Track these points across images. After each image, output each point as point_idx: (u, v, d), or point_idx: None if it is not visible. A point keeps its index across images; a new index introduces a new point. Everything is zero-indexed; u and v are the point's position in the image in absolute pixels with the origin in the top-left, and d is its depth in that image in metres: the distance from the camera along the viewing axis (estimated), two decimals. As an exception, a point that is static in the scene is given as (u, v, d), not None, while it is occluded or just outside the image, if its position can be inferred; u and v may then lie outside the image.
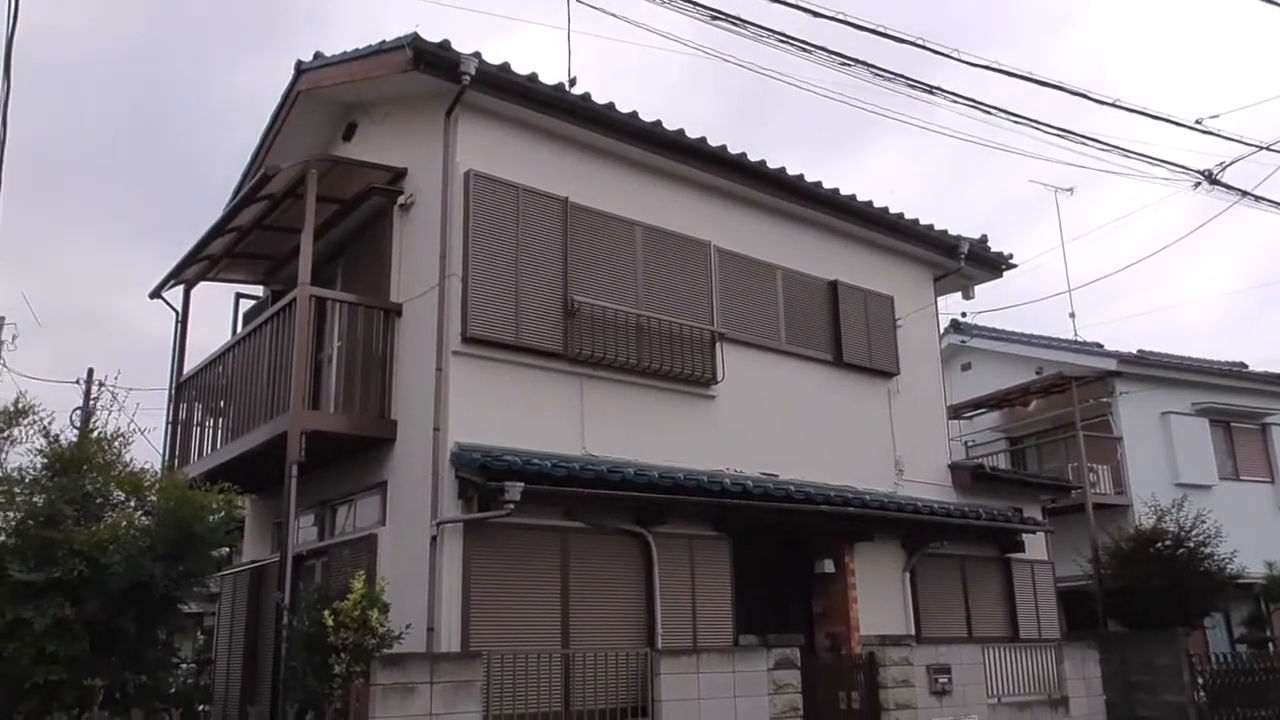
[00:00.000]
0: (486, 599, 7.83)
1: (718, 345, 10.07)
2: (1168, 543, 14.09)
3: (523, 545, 8.13)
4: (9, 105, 8.83)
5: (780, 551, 10.36)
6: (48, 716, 6.61)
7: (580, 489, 8.13)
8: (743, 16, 7.89)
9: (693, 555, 9.14)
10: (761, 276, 10.90)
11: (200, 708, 9.51)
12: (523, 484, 7.52)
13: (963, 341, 18.66)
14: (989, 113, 9.77)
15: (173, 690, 8.11)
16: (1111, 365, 17.05)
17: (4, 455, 8.46)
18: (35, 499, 7.57)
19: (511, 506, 7.48)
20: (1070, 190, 19.14)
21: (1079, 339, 18.53)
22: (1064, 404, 16.87)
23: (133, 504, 8.15)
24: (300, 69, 10.18)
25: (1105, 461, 16.99)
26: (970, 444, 18.87)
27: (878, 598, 10.56)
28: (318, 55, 9.98)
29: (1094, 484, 16.20)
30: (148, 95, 56.89)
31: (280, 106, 10.68)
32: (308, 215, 8.88)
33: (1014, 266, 13.53)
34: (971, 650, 10.72)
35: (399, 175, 9.47)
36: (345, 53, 9.54)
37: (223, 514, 7.95)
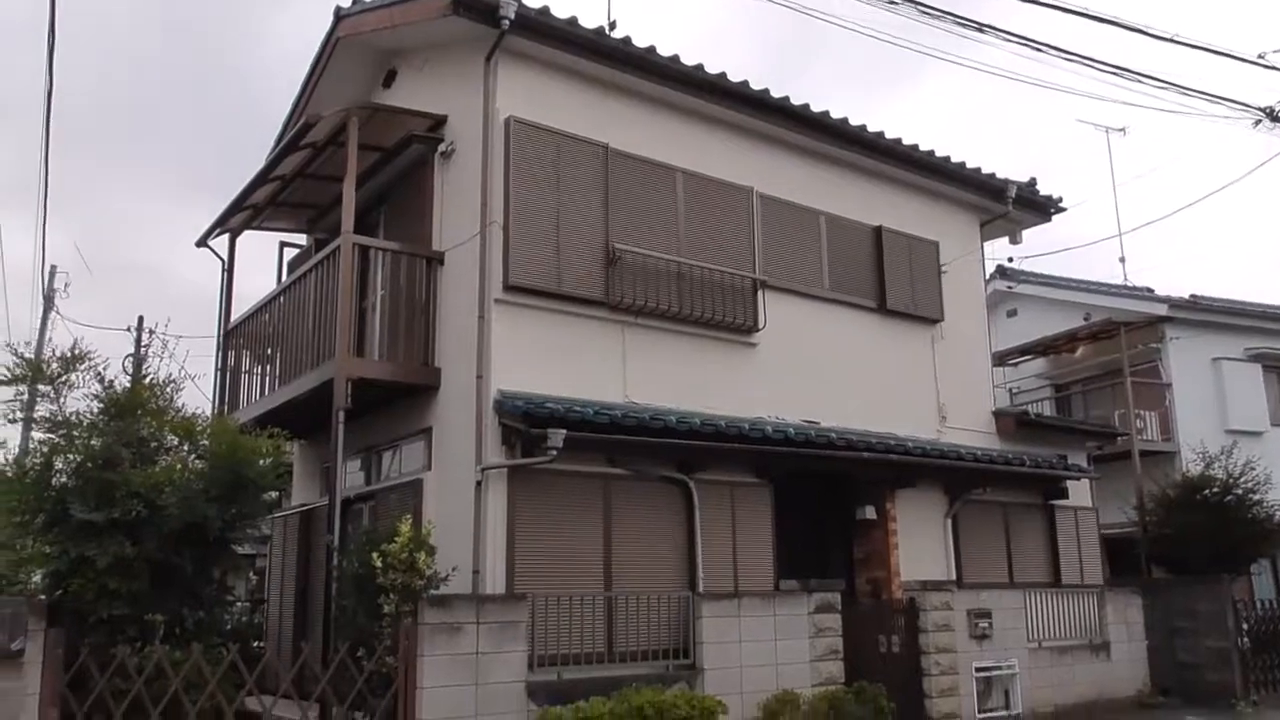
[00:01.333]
0: (530, 543, 7.96)
1: (759, 292, 10.00)
2: (1215, 490, 13.88)
3: (566, 491, 8.23)
4: (54, 56, 8.95)
5: (822, 498, 10.40)
6: (112, 649, 6.85)
7: (622, 436, 8.19)
8: (787, -46, 7.67)
9: (734, 501, 9.20)
10: (804, 222, 10.76)
11: (255, 643, 9.83)
12: (565, 431, 7.60)
13: (1009, 287, 18.34)
14: (1041, 50, 9.49)
15: (229, 626, 8.37)
16: (1162, 310, 16.67)
17: (62, 400, 8.67)
18: (93, 442, 7.77)
19: (554, 453, 7.57)
20: (1123, 130, 18.58)
21: (1129, 284, 18.11)
22: (1112, 350, 16.57)
23: (186, 448, 8.32)
24: (339, 14, 10.12)
25: (1153, 408, 16.71)
26: (1015, 391, 18.66)
27: (919, 544, 10.58)
28: (356, 0, 9.91)
29: (1141, 431, 15.97)
30: (198, 45, 57.05)
31: (320, 53, 10.65)
32: (349, 163, 8.90)
33: (1064, 210, 13.23)
34: (1012, 595, 10.74)
35: (439, 122, 9.44)
36: (384, -3, 9.46)
37: (272, 459, 8.13)
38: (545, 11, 8.62)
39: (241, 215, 11.23)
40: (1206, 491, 13.86)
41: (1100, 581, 12.42)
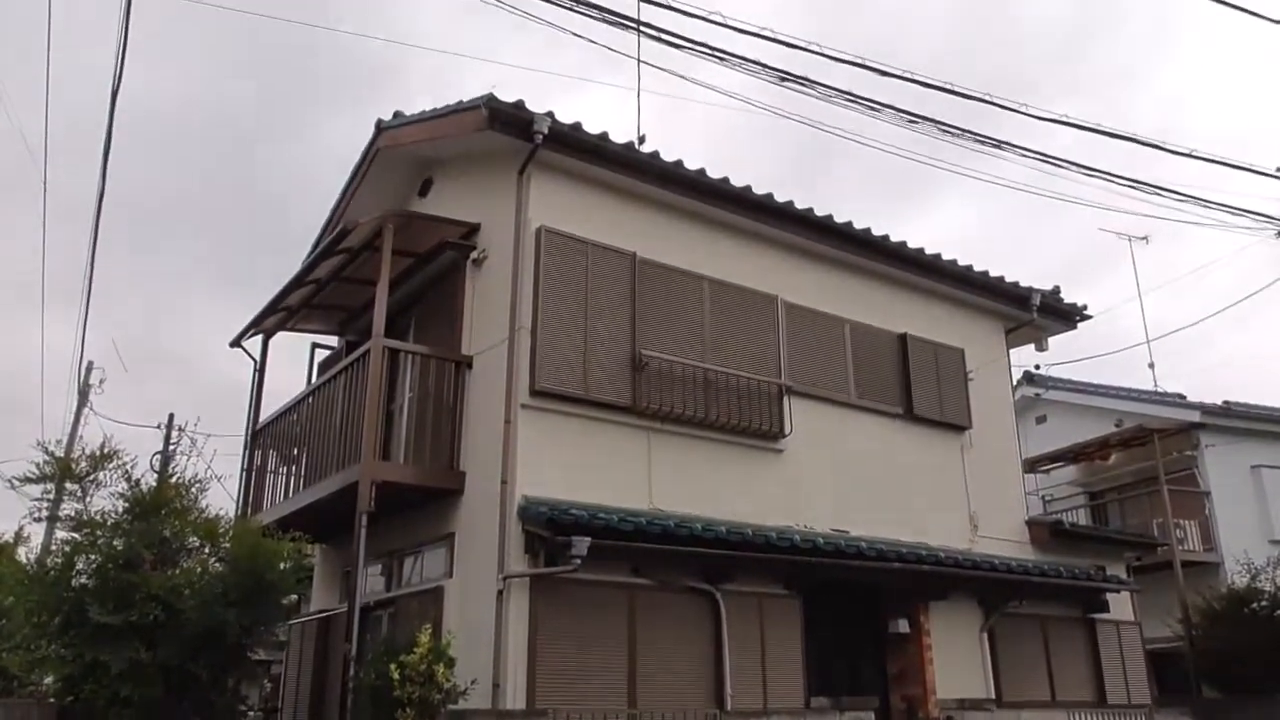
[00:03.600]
0: (552, 655, 7.75)
1: (786, 399, 9.95)
2: (1264, 603, 13.39)
3: (589, 601, 8.05)
4: (109, 159, 9.30)
5: (852, 610, 10.10)
6: (121, 759, 6.70)
7: (647, 544, 8.03)
8: (810, 77, 7.92)
9: (762, 614, 8.95)
10: (830, 329, 10.79)
11: (267, 756, 9.58)
12: (589, 538, 7.47)
13: (1037, 394, 18.19)
14: (1059, 165, 9.63)
15: (241, 737, 8.18)
16: (1195, 417, 16.43)
17: (89, 498, 8.70)
18: (115, 542, 7.75)
19: (578, 561, 7.43)
20: (1145, 239, 18.70)
21: (1159, 390, 17.91)
22: (1145, 457, 16.28)
23: (207, 550, 8.30)
24: (380, 127, 10.49)
25: (1192, 517, 16.29)
26: (1048, 499, 18.31)
27: (955, 659, 10.20)
28: (397, 114, 10.29)
29: (1181, 540, 15.53)
30: (236, 154, 59.35)
31: (360, 163, 11.01)
32: (383, 268, 9.08)
33: (1088, 318, 13.19)
34: (1056, 716, 10.30)
35: (472, 230, 9.65)
36: (424, 112, 9.82)
37: (293, 562, 8.06)
38: (577, 127, 8.88)
39: (276, 317, 11.44)
40: (1255, 605, 13.37)
41: (1148, 700, 11.87)
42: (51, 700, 7.77)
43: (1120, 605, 12.07)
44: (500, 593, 7.75)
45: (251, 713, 10.05)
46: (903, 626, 10.02)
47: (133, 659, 7.03)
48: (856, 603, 10.06)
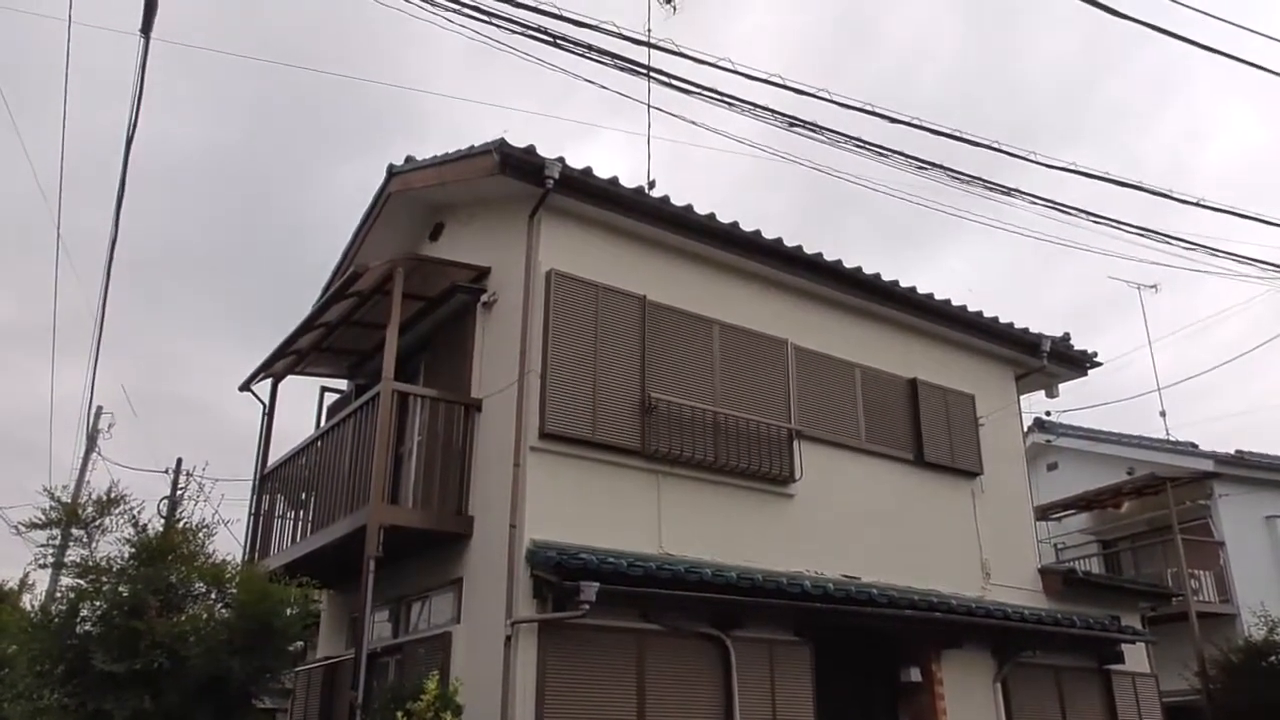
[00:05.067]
0: (561, 702, 7.62)
1: (796, 443, 9.91)
2: (1282, 656, 13.16)
3: (598, 647, 7.94)
4: (122, 206, 9.40)
5: (864, 657, 9.94)
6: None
7: (657, 589, 7.95)
8: (819, 123, 8.01)
9: (772, 660, 8.81)
10: (840, 374, 10.77)
11: (270, 808, 9.39)
12: (598, 584, 7.39)
13: (1048, 441, 18.10)
14: (1068, 213, 9.67)
15: (244, 791, 8.01)
16: (1208, 466, 16.32)
17: (95, 544, 8.65)
18: (121, 588, 7.68)
19: (587, 607, 7.34)
20: (1155, 287, 18.70)
21: (1171, 438, 17.81)
22: (1159, 505, 16.14)
23: (213, 596, 8.22)
24: (392, 172, 10.62)
25: (1207, 567, 16.10)
26: (1060, 546, 18.13)
27: (968, 709, 10.01)
28: (409, 159, 10.41)
29: (1196, 591, 15.34)
30: (248, 199, 60.08)
31: (371, 207, 11.12)
32: (393, 312, 9.11)
33: (1099, 365, 13.16)
34: (1072, 771, 10.03)
35: (483, 274, 9.71)
36: (435, 156, 9.94)
37: (300, 608, 7.98)
38: (588, 172, 8.98)
39: (285, 360, 11.47)
40: (1273, 658, 13.14)
41: (1165, 755, 11.61)
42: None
43: (1136, 657, 11.86)
44: (508, 639, 7.65)
45: (255, 762, 9.86)
46: (915, 675, 9.86)
47: (136, 708, 6.93)
48: (868, 650, 9.91)
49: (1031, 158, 8.97)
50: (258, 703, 8.21)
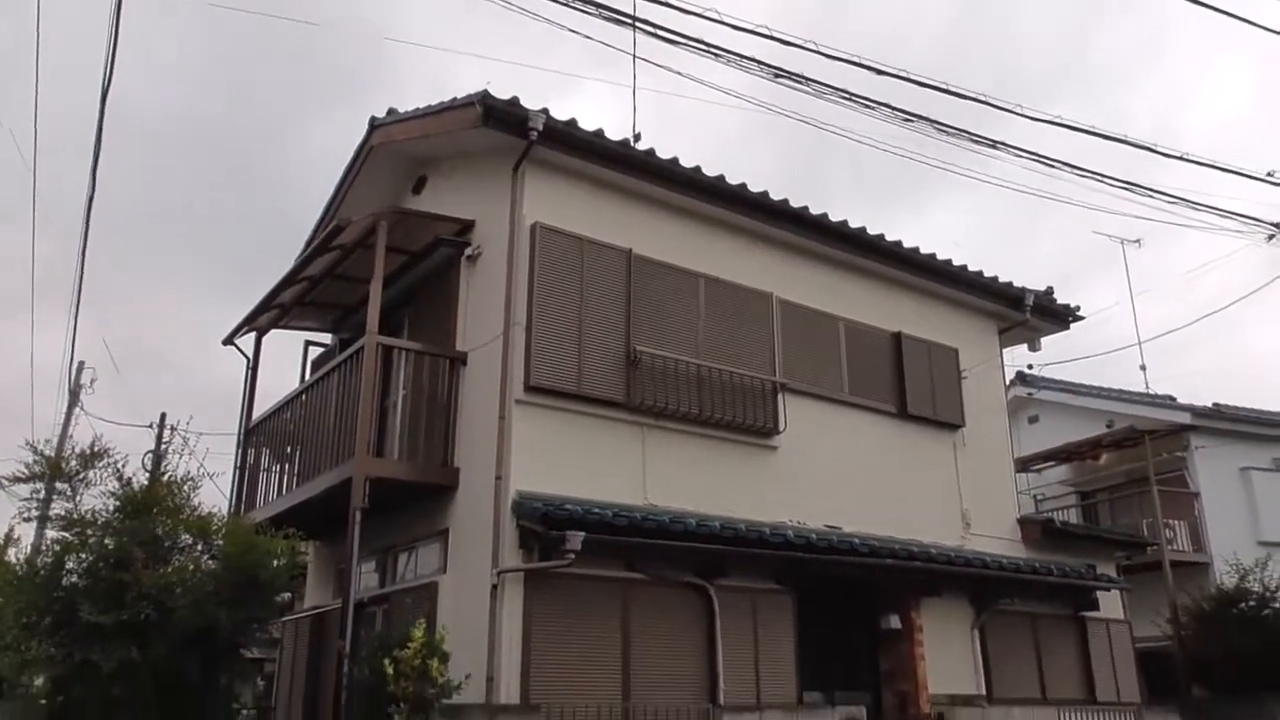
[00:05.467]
0: (546, 650, 7.74)
1: (780, 396, 9.97)
2: (1252, 603, 13.47)
3: (583, 596, 8.05)
4: (99, 160, 9.26)
5: (845, 606, 10.12)
6: (112, 761, 6.65)
7: (642, 539, 8.05)
8: (805, 74, 7.93)
9: (755, 609, 8.96)
10: (824, 327, 10.81)
11: (260, 755, 9.53)
12: (584, 533, 7.47)
13: (1029, 394, 18.27)
14: (1053, 166, 9.67)
15: (233, 737, 8.13)
16: (1186, 419, 16.53)
17: (79, 497, 8.64)
18: (107, 541, 7.70)
19: (572, 556, 7.43)
20: (1138, 242, 18.74)
21: (1151, 392, 18.01)
22: (1136, 458, 16.37)
23: (200, 548, 8.25)
24: (374, 124, 10.47)
25: (1182, 517, 16.39)
26: (1039, 498, 18.38)
27: (946, 655, 10.23)
28: (391, 111, 10.27)
29: (1171, 540, 15.63)
30: (230, 152, 59.16)
31: (353, 160, 10.98)
32: (377, 266, 9.06)
33: (1081, 318, 13.25)
34: (1046, 713, 10.32)
35: (467, 227, 9.64)
36: (417, 109, 9.81)
37: (286, 559, 8.02)
38: (572, 124, 8.88)
39: (269, 314, 11.40)
40: (1243, 605, 13.45)
41: (1137, 699, 11.92)
42: (42, 702, 7.70)
43: (1110, 604, 12.12)
44: (494, 588, 7.74)
45: (245, 711, 10.00)
46: (895, 623, 10.05)
47: (124, 659, 6.97)
48: (849, 599, 10.08)
49: (1017, 110, 8.95)
50: (246, 652, 8.29)
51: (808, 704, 8.76)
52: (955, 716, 9.46)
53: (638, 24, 7.35)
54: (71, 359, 21.89)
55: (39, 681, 8.61)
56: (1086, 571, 11.65)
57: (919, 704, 9.74)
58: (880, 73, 8.05)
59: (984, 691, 10.38)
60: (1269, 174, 11.39)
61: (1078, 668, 11.59)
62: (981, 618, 10.71)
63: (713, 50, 7.66)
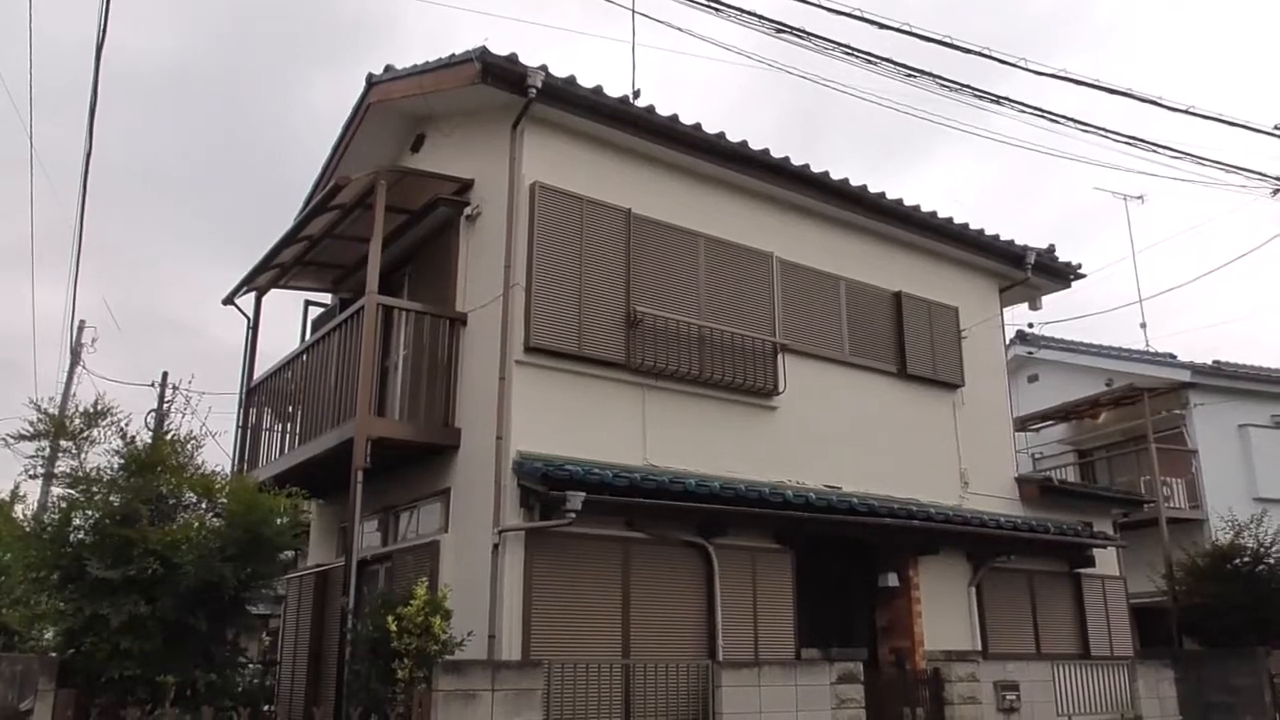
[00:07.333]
0: (548, 607, 7.86)
1: (780, 356, 9.99)
2: (1246, 559, 13.61)
3: (584, 554, 8.14)
4: (95, 118, 9.20)
5: (843, 564, 10.23)
6: (122, 710, 6.76)
7: (642, 499, 8.12)
8: (807, 29, 7.84)
9: (754, 567, 9.07)
10: (824, 287, 10.80)
11: (266, 707, 9.69)
12: (584, 493, 7.55)
13: (1029, 353, 18.25)
14: (1056, 121, 9.59)
15: (240, 689, 8.26)
16: (1185, 376, 16.54)
17: (84, 455, 8.71)
18: (112, 498, 7.78)
19: (573, 515, 7.51)
20: (1140, 198, 18.64)
21: (1151, 349, 18.00)
22: (1135, 416, 16.41)
23: (204, 506, 8.33)
24: (371, 81, 10.37)
25: (1179, 475, 16.48)
26: (1038, 456, 18.46)
27: (943, 612, 10.37)
28: (388, 68, 10.16)
29: (1167, 498, 15.72)
30: (228, 112, 58.59)
31: (351, 119, 10.89)
32: (376, 225, 9.02)
33: (1082, 276, 13.21)
34: (1040, 667, 10.46)
35: (466, 186, 9.59)
36: (415, 66, 9.70)
37: (289, 518, 8.10)
38: (571, 81, 8.79)
39: (268, 274, 11.38)
40: (1237, 561, 13.59)
41: (1130, 653, 12.10)
42: (53, 654, 7.83)
43: (1106, 561, 12.25)
44: (496, 547, 7.83)
45: (251, 665, 10.15)
46: (892, 580, 10.17)
47: (132, 613, 7.07)
48: (847, 557, 10.19)
49: (1021, 63, 8.83)
50: (251, 608, 8.41)
51: (805, 660, 8.89)
52: (950, 672, 9.60)
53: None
54: (73, 317, 21.92)
55: (49, 635, 8.75)
56: (1083, 529, 11.76)
57: (915, 659, 9.89)
58: (884, 27, 7.95)
59: (980, 647, 10.52)
60: (1276, 127, 11.29)
61: (1073, 623, 11.75)
62: (978, 575, 10.83)
63: (714, 4, 7.57)
